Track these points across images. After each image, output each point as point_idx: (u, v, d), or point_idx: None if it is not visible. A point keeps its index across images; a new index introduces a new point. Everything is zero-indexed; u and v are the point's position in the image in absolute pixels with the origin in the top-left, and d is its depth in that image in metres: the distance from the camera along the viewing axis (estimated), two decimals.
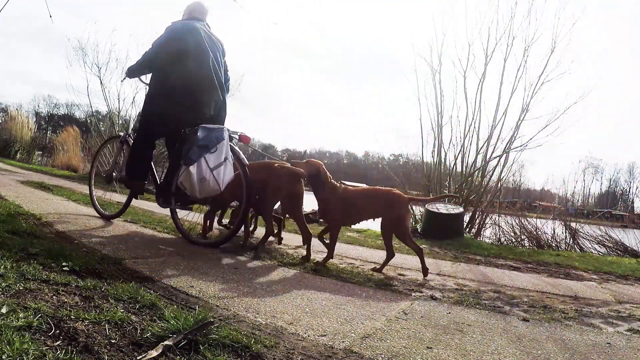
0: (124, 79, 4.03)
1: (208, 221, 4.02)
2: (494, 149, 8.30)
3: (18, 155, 16.70)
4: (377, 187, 3.92)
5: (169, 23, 3.66)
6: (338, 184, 3.60)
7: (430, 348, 1.88)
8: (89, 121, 12.97)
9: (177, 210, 3.81)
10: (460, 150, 8.48)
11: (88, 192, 4.80)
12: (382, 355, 1.73)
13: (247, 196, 3.53)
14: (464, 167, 8.51)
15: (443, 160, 8.61)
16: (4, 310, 1.49)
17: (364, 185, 4.84)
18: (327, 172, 3.52)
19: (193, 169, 3.18)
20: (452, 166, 8.58)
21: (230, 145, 3.48)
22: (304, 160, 3.59)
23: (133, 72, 3.86)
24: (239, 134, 3.76)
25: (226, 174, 3.33)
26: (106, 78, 11.25)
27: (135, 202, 6.66)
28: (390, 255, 3.55)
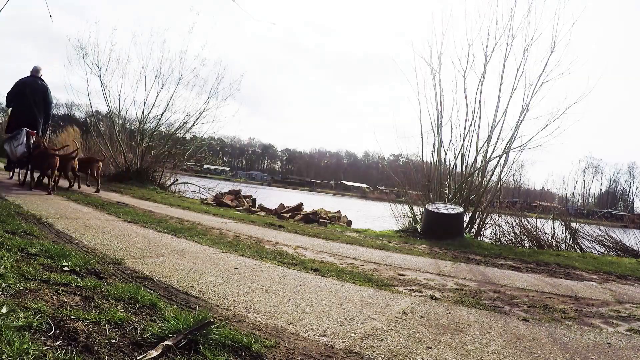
0: (7, 111, 7.65)
1: (32, 176, 6.99)
2: (494, 149, 8.30)
3: None
4: (51, 148, 6.88)
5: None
6: (49, 150, 6.65)
7: (430, 348, 1.88)
8: (88, 121, 12.95)
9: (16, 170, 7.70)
10: (460, 150, 8.49)
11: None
12: (382, 355, 1.73)
13: (30, 161, 6.77)
14: (464, 167, 8.51)
15: (443, 160, 8.62)
16: (4, 310, 1.49)
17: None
18: (42, 141, 6.83)
19: (6, 147, 6.81)
20: (452, 166, 8.58)
21: (27, 135, 6.78)
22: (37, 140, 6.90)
23: (7, 106, 7.30)
24: (29, 131, 6.86)
25: (20, 150, 6.70)
26: (106, 78, 11.28)
27: (135, 203, 6.65)
28: (70, 184, 7.43)
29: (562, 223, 7.52)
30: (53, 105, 7.63)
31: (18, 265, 2.08)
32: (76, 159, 7.24)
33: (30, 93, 6.95)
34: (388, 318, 2.27)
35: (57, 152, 6.64)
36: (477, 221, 8.18)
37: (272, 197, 16.39)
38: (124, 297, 1.91)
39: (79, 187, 7.61)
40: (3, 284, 1.76)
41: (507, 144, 8.14)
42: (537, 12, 7.96)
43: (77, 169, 7.38)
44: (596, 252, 7.07)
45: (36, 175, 6.92)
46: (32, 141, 6.87)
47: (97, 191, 7.41)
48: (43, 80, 7.21)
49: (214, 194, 10.42)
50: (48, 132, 7.94)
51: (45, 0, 2.96)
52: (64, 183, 7.50)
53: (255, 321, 1.97)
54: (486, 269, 4.42)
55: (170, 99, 11.44)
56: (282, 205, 9.25)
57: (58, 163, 6.52)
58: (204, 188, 11.57)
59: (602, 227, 7.61)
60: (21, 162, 6.95)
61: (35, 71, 7.18)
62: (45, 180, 6.71)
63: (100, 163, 8.13)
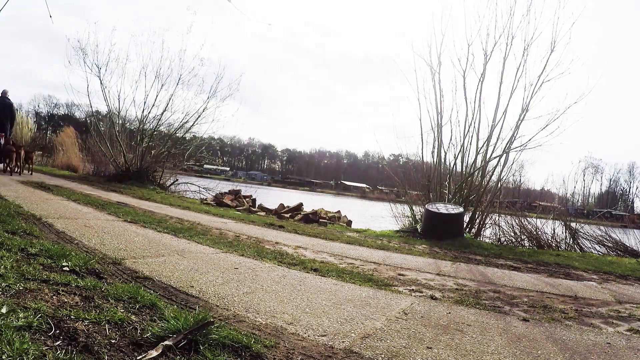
0: None
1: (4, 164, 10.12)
2: (494, 149, 8.28)
3: None
4: (11, 144, 9.73)
5: None
6: (8, 145, 9.46)
7: (430, 348, 1.88)
8: (88, 121, 12.97)
9: None
10: (460, 150, 8.48)
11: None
12: (382, 355, 1.73)
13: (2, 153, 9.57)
14: (464, 167, 8.50)
15: (443, 160, 8.61)
16: (4, 310, 1.49)
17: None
18: (9, 140, 9.61)
19: None
20: (452, 166, 8.57)
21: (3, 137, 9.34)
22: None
23: None
24: (3, 135, 9.35)
25: None
26: (106, 78, 11.30)
27: (135, 203, 6.65)
28: (22, 170, 10.51)
29: (562, 223, 7.52)
30: (17, 116, 11.18)
31: (18, 265, 2.08)
32: (26, 151, 10.54)
33: (1, 109, 9.47)
34: (388, 318, 2.27)
35: (14, 147, 9.44)
36: (477, 221, 8.17)
37: (272, 197, 16.40)
38: (124, 297, 1.91)
39: (25, 171, 10.56)
40: (3, 284, 1.76)
41: (507, 144, 8.13)
42: (537, 12, 7.96)
43: (25, 159, 10.54)
44: (596, 252, 7.07)
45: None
46: (2, 141, 9.55)
47: (31, 173, 10.47)
48: (9, 99, 9.75)
49: (214, 194, 10.42)
50: (12, 133, 10.97)
51: (45, 0, 2.97)
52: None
53: (255, 321, 1.97)
54: (486, 269, 4.42)
55: (170, 98, 11.46)
56: (282, 205, 9.25)
57: (15, 155, 9.60)
58: (204, 188, 11.58)
59: (602, 227, 7.61)
60: None
61: (3, 93, 9.69)
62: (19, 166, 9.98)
63: (32, 154, 11.63)
